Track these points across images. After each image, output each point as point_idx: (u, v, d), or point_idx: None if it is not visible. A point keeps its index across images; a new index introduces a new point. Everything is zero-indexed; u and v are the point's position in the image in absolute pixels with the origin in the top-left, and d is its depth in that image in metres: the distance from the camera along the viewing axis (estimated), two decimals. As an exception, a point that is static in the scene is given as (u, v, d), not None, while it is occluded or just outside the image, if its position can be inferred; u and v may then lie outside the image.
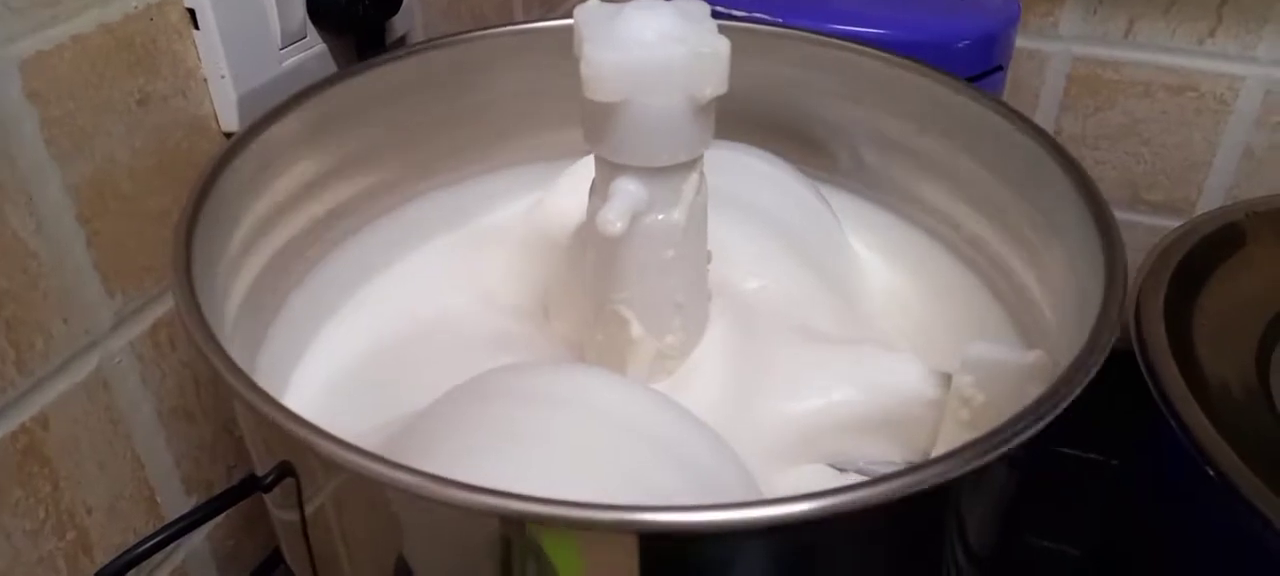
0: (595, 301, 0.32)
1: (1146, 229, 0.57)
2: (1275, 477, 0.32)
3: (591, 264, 0.31)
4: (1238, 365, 0.38)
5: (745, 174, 0.38)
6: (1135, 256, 0.29)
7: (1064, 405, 0.23)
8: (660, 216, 0.29)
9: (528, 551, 0.23)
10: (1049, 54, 0.55)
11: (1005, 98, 0.40)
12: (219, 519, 0.39)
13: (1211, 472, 0.33)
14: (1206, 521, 0.35)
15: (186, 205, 0.29)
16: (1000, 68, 0.44)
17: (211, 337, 0.25)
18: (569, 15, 0.28)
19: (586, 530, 0.21)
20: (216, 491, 0.41)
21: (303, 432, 0.23)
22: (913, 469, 0.22)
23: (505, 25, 0.41)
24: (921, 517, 0.25)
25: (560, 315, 0.38)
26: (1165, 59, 0.53)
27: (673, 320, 0.31)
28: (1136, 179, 0.57)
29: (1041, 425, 0.23)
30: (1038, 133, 0.33)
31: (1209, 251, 0.42)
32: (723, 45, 0.26)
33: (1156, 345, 0.37)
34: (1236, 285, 0.41)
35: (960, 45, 0.42)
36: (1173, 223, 0.49)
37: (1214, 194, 0.56)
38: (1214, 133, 0.54)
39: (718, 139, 0.29)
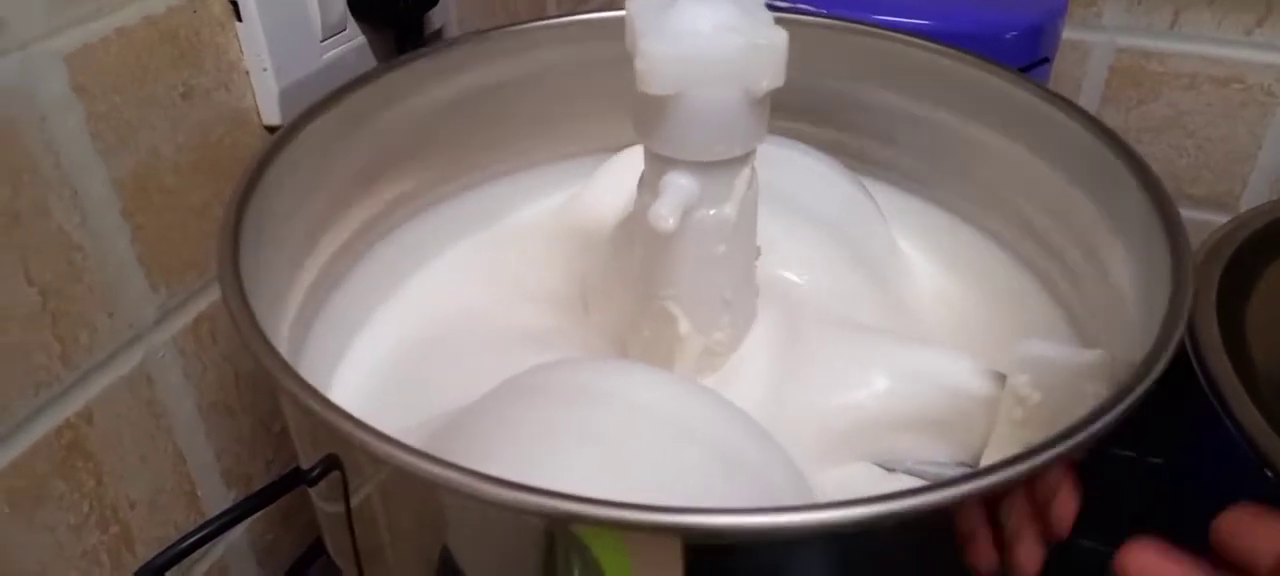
0: (641, 297, 0.31)
1: (1189, 224, 0.55)
2: (1329, 477, 0.31)
3: (639, 259, 0.31)
4: (1291, 362, 0.37)
5: (792, 169, 0.38)
6: (1190, 244, 0.28)
7: (1132, 404, 0.23)
8: (712, 211, 0.29)
9: (572, 549, 0.22)
10: (1092, 45, 0.54)
11: (1049, 90, 0.40)
12: (257, 514, 0.39)
13: (1269, 473, 0.32)
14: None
15: (233, 199, 0.29)
16: (1047, 60, 0.43)
17: (260, 332, 0.25)
18: (600, 9, 0.27)
19: (632, 531, 0.21)
20: (255, 486, 0.41)
21: (351, 428, 0.22)
22: (972, 473, 0.21)
23: (538, 20, 0.40)
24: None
25: (600, 309, 0.37)
26: (1211, 50, 0.52)
27: (721, 316, 0.31)
28: (1180, 172, 0.56)
29: (1108, 426, 0.22)
30: (1100, 128, 0.32)
31: (1259, 247, 0.41)
32: (780, 37, 0.26)
33: (1210, 343, 0.36)
34: (1289, 281, 0.40)
35: (1008, 37, 0.41)
36: (1216, 217, 0.49)
37: (1259, 188, 0.55)
38: (1260, 125, 0.53)
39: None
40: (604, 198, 0.40)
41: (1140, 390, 0.22)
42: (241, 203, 0.29)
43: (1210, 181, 0.56)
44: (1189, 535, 0.39)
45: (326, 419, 0.23)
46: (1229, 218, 0.42)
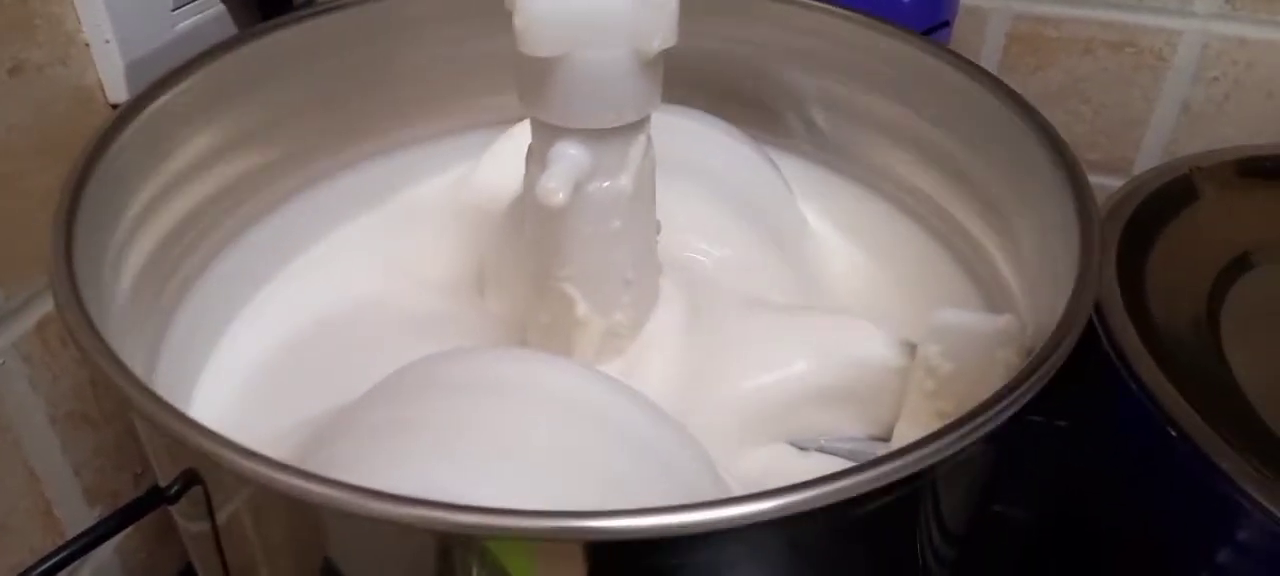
0: (537, 279, 0.29)
1: (1086, 188, 0.57)
2: (1231, 432, 0.32)
3: (531, 238, 0.29)
4: (1190, 320, 0.37)
5: (693, 138, 0.36)
6: (1098, 206, 0.27)
7: (1049, 372, 0.22)
8: (605, 184, 0.27)
9: (470, 554, 0.21)
10: (989, 11, 0.54)
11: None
12: (129, 530, 0.36)
13: (1171, 431, 0.33)
14: (1166, 479, 0.35)
15: (65, 188, 0.26)
16: (946, 23, 0.43)
17: (94, 333, 0.22)
18: None
19: (531, 540, 0.20)
20: (123, 501, 0.38)
21: (208, 444, 0.20)
22: (884, 458, 0.20)
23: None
24: (897, 505, 0.24)
25: (497, 294, 0.35)
26: (1104, 14, 0.53)
27: (621, 296, 0.29)
28: (1078, 138, 0.56)
29: (1032, 390, 0.22)
30: (1004, 90, 0.32)
31: (1156, 208, 0.42)
32: (670, -8, 0.24)
33: (1111, 303, 0.37)
34: (1185, 240, 0.41)
35: (905, 0, 0.40)
36: (1111, 181, 0.49)
37: (1151, 151, 0.56)
38: (1153, 89, 0.54)
39: (663, 102, 0.27)
40: (500, 174, 0.37)
41: (1057, 357, 0.22)
42: (76, 189, 0.26)
43: (1106, 146, 0.57)
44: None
45: (177, 432, 0.21)
46: (1124, 182, 0.43)
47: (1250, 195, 0.44)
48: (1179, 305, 0.38)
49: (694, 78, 0.38)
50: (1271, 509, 0.30)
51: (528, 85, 0.25)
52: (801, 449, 0.31)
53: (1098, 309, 0.37)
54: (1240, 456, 0.31)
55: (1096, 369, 0.36)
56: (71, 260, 0.24)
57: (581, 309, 0.29)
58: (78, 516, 0.36)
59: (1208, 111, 0.54)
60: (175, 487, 0.25)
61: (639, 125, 0.27)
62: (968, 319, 0.28)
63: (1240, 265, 0.40)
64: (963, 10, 0.53)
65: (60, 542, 0.35)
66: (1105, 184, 0.51)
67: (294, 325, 0.35)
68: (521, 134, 0.38)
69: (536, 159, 0.27)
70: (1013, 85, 0.54)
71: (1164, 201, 0.42)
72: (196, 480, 0.24)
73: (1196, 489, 0.33)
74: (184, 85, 0.31)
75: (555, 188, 0.25)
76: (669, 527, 0.19)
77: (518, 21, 0.24)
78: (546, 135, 0.26)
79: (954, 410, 0.29)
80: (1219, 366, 0.36)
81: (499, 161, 0.37)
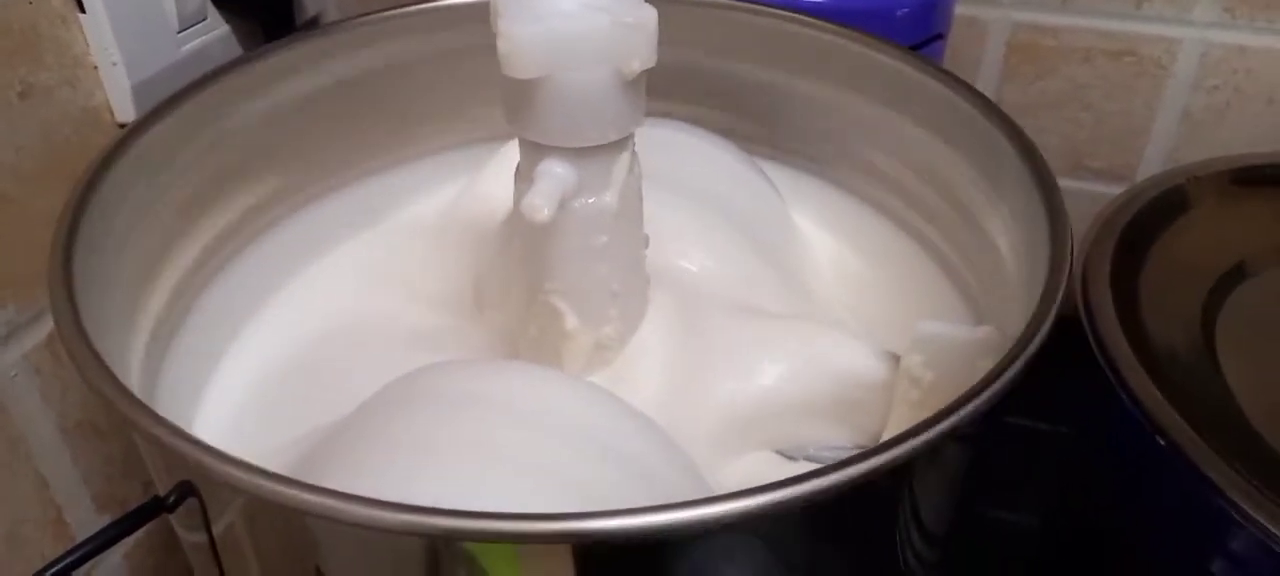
0: (526, 293, 0.30)
1: (1090, 196, 0.56)
2: (1223, 443, 0.32)
3: (520, 253, 0.30)
4: (1184, 331, 0.37)
5: (681, 151, 0.37)
6: (1079, 224, 0.28)
7: (1012, 378, 0.22)
8: (591, 200, 0.27)
9: (458, 561, 0.21)
10: (989, 21, 0.54)
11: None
12: (139, 535, 0.37)
13: (1161, 442, 0.33)
14: (1156, 488, 0.35)
15: (67, 207, 0.27)
16: (940, 36, 0.43)
17: (89, 350, 0.22)
18: None
19: (518, 543, 0.20)
20: (132, 508, 0.39)
21: (198, 454, 0.21)
22: (854, 458, 0.21)
23: (423, 3, 0.38)
24: (872, 505, 0.24)
25: (495, 307, 0.36)
26: (1102, 23, 0.53)
27: (609, 309, 0.30)
28: (1079, 146, 0.56)
29: (990, 400, 0.22)
30: (980, 99, 0.32)
31: (1153, 217, 0.42)
32: (649, 14, 0.25)
33: (1103, 313, 0.37)
34: (1180, 250, 0.41)
35: (899, 13, 0.40)
36: (1115, 189, 0.49)
37: (1154, 159, 0.56)
38: (1153, 97, 0.54)
39: (651, 115, 0.28)
40: (495, 189, 0.38)
41: (1016, 367, 0.22)
42: (77, 208, 0.27)
43: (1108, 154, 0.57)
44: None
45: (168, 443, 0.21)
46: (1126, 188, 0.43)
47: (1246, 205, 0.44)
48: (1173, 315, 0.38)
49: (683, 90, 0.39)
50: (1262, 521, 0.30)
51: (513, 106, 0.26)
52: (789, 458, 0.31)
53: (1090, 318, 0.37)
54: (1231, 468, 0.31)
55: (1090, 378, 0.36)
56: (71, 279, 0.25)
57: (570, 322, 0.30)
58: (87, 523, 0.37)
59: (1208, 119, 0.54)
60: (173, 498, 0.26)
61: (622, 143, 0.27)
62: (949, 330, 0.28)
63: (1236, 275, 0.40)
64: (962, 21, 0.54)
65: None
66: (1110, 191, 0.51)
67: (294, 340, 0.35)
68: (514, 152, 0.39)
69: (524, 176, 0.28)
70: (1015, 94, 0.55)
71: (1159, 211, 0.42)
72: (192, 491, 0.24)
73: (1187, 500, 0.33)
74: (185, 106, 0.31)
75: (540, 204, 0.26)
76: (651, 528, 0.20)
77: (501, 46, 0.24)
78: (533, 153, 0.27)
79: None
80: (1213, 377, 0.36)
81: (494, 177, 0.37)
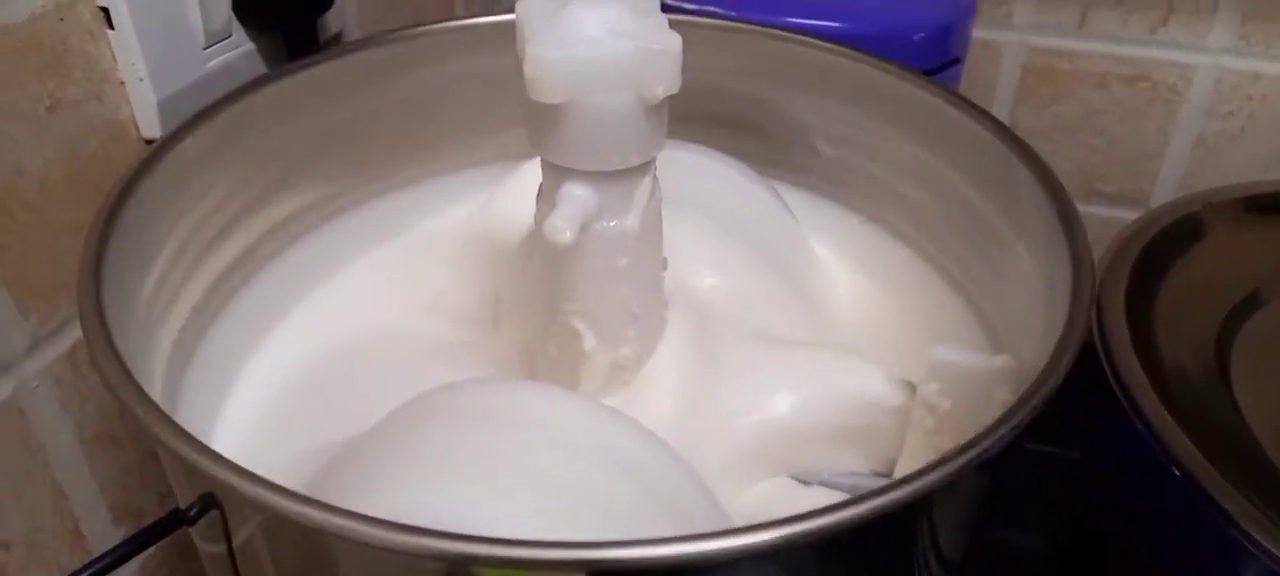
0: (545, 313, 0.30)
1: (1101, 220, 0.57)
2: (1236, 471, 0.32)
3: (540, 274, 0.30)
4: (1198, 357, 0.37)
5: (700, 175, 0.37)
6: (1092, 248, 0.28)
7: (1034, 410, 0.22)
8: (612, 223, 0.28)
9: None
10: (1004, 45, 0.54)
11: (961, 91, 0.40)
12: (151, 550, 0.37)
13: (1176, 471, 0.33)
14: (1168, 514, 0.35)
15: (97, 220, 0.27)
16: (957, 60, 0.43)
17: (119, 364, 0.23)
18: (512, 11, 0.26)
19: (535, 569, 0.20)
20: (148, 520, 0.39)
21: (222, 473, 0.21)
22: (877, 491, 0.21)
23: (445, 21, 0.39)
24: (892, 535, 0.24)
25: (512, 324, 0.36)
26: (1118, 49, 0.53)
27: (628, 331, 0.30)
28: (1092, 170, 0.57)
29: (1013, 433, 0.22)
30: (998, 127, 0.32)
31: (1167, 243, 0.42)
32: (674, 41, 0.25)
33: (1118, 338, 0.37)
34: (1195, 277, 0.41)
35: (916, 38, 0.41)
36: (1127, 214, 0.49)
37: (1167, 184, 0.56)
38: (1167, 122, 0.54)
39: (670, 138, 0.28)
40: (514, 206, 0.38)
41: (1039, 399, 0.22)
42: (108, 221, 0.27)
43: (1120, 178, 0.57)
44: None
45: (193, 461, 0.22)
46: (1140, 214, 0.43)
47: (1260, 232, 0.44)
48: (1187, 343, 0.38)
49: (701, 113, 0.39)
50: (1272, 549, 0.30)
51: (537, 128, 0.26)
52: (804, 483, 0.31)
53: (1104, 345, 0.37)
54: (1244, 497, 0.31)
55: (1104, 404, 0.36)
56: (99, 293, 0.25)
57: (588, 342, 0.30)
58: (104, 534, 0.37)
59: (1222, 145, 0.54)
60: (194, 510, 0.26)
61: (644, 167, 0.27)
62: (965, 358, 0.29)
63: (1250, 304, 0.40)
64: (978, 44, 0.54)
65: (86, 560, 0.36)
66: (1123, 216, 0.51)
67: (314, 354, 0.36)
68: (532, 170, 0.39)
69: (546, 198, 0.28)
70: (1028, 118, 0.55)
71: (1174, 238, 0.42)
72: (214, 504, 0.25)
73: (1198, 527, 0.33)
74: (212, 123, 0.32)
75: (562, 226, 0.26)
76: (670, 558, 0.20)
77: (527, 70, 0.25)
78: (555, 175, 0.27)
79: (953, 447, 0.29)
80: (1227, 405, 0.35)
81: (514, 194, 0.38)
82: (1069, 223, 0.28)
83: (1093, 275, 0.26)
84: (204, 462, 0.21)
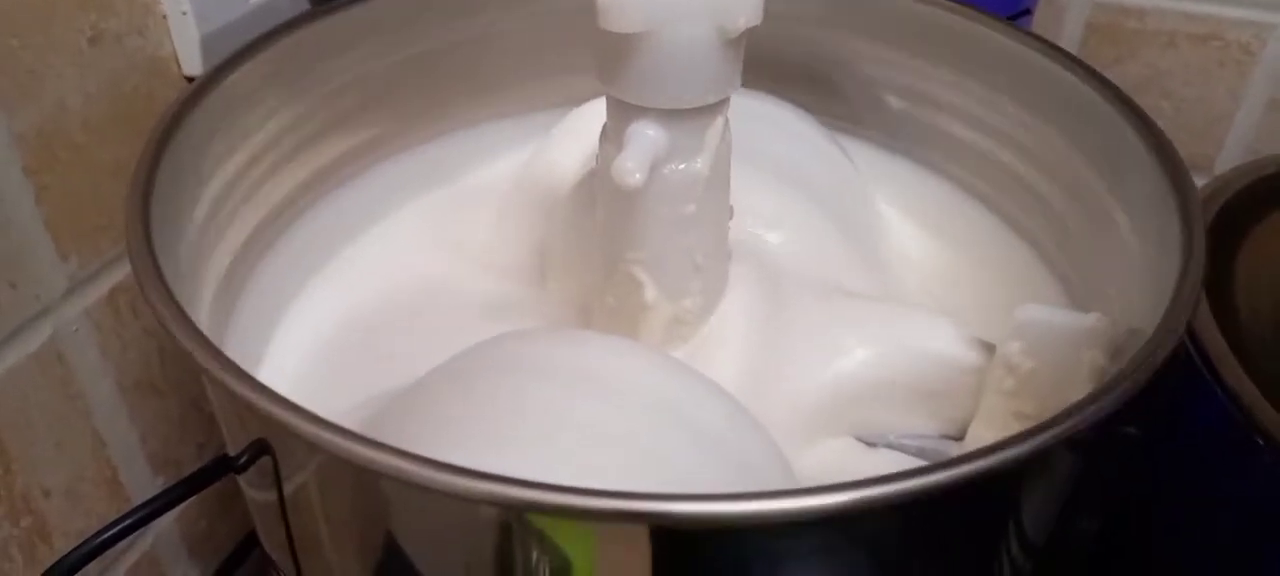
0: (606, 261, 0.29)
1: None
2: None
3: (602, 220, 0.28)
4: (1277, 324, 0.36)
5: (763, 123, 0.35)
6: (1201, 208, 0.26)
7: (1146, 376, 0.21)
8: (682, 166, 0.26)
9: (530, 534, 0.21)
10: (1067, 1, 0.52)
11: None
12: (190, 501, 0.36)
13: (1260, 441, 0.31)
14: (1248, 485, 0.33)
15: (144, 157, 0.26)
16: (1028, 11, 0.41)
17: (173, 302, 0.22)
18: None
19: (594, 519, 0.19)
20: (186, 470, 0.38)
21: (279, 411, 0.20)
22: (962, 458, 0.19)
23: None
24: (974, 507, 0.23)
25: (561, 277, 0.35)
26: (1189, 5, 0.50)
27: (691, 282, 0.28)
28: (1156, 134, 0.55)
29: (1122, 399, 0.20)
30: (1101, 81, 0.30)
31: (1243, 207, 0.40)
32: (757, -33, 0.23)
33: (1198, 308, 0.35)
34: (1272, 241, 0.39)
35: (989, -15, 0.39)
36: (1193, 180, 0.47)
37: (1234, 149, 0.54)
38: (1239, 84, 0.52)
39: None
40: (564, 155, 0.37)
41: (1153, 362, 0.21)
42: (154, 158, 0.26)
43: (1187, 143, 0.54)
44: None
45: (251, 400, 0.21)
46: (1205, 180, 0.41)
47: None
48: (1266, 307, 0.36)
49: (766, 62, 0.37)
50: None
51: (607, 62, 0.25)
52: (869, 444, 0.30)
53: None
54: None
55: (1181, 374, 0.34)
56: (149, 232, 0.24)
57: (650, 293, 0.28)
58: (142, 483, 0.36)
59: (1296, 109, 0.52)
60: (244, 457, 0.25)
61: (717, 106, 0.26)
62: (1054, 315, 0.27)
63: (1330, 271, 0.38)
64: (1040, -1, 0.52)
65: (125, 508, 0.35)
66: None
67: (357, 303, 0.34)
68: (587, 115, 0.37)
69: (612, 138, 0.27)
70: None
71: (1250, 200, 0.40)
72: (266, 449, 0.24)
73: (1281, 497, 0.31)
74: (257, 60, 0.31)
75: (632, 167, 0.24)
76: (734, 516, 0.19)
77: (600, -4, 0.23)
78: (623, 114, 0.26)
79: (1033, 411, 0.28)
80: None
81: (565, 142, 0.36)
82: (1178, 180, 0.26)
83: (1203, 233, 0.24)
84: (262, 403, 0.20)
